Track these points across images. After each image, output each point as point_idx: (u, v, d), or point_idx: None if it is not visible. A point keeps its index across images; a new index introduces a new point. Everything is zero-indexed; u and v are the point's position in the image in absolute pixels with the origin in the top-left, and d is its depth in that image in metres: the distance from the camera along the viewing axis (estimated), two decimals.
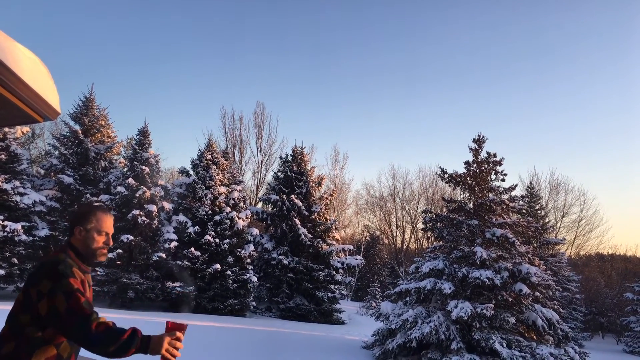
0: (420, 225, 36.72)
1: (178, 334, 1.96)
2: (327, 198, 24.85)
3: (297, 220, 22.54)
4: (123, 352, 1.83)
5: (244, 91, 62.50)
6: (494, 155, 14.07)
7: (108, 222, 2.17)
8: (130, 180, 17.94)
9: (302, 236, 22.28)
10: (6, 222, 15.35)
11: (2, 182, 15.72)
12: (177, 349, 1.94)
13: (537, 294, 12.63)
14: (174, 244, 18.21)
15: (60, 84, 2.49)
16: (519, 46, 61.25)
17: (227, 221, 19.95)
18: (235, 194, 21.09)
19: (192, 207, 20.39)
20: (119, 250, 17.05)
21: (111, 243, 2.21)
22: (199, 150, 22.08)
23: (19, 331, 1.91)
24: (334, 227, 24.01)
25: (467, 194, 14.39)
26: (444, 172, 14.47)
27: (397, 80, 65.70)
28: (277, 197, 23.21)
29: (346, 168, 66.72)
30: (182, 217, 19.42)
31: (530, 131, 63.78)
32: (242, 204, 21.67)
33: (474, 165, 14.21)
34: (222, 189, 20.71)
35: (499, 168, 14.09)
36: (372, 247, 41.92)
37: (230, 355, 10.78)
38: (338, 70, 64.93)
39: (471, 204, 14.12)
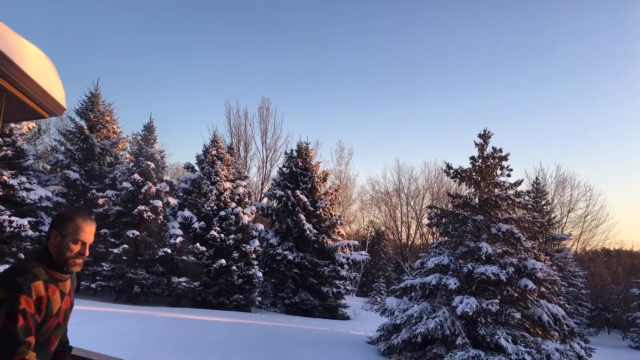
0: (425, 221, 36.60)
1: None
2: (332, 193, 24.83)
3: (302, 216, 22.55)
4: None
5: (248, 87, 62.50)
6: (500, 150, 14.00)
7: (87, 232, 1.98)
8: (136, 175, 18.01)
9: (307, 232, 22.29)
10: (13, 218, 15.47)
11: (8, 178, 15.82)
12: None
13: (543, 289, 12.57)
14: (179, 239, 18.29)
15: (65, 79, 2.49)
16: (524, 41, 60.84)
17: (233, 216, 19.99)
18: (241, 190, 21.13)
19: (197, 202, 20.46)
20: (125, 246, 17.15)
21: (87, 253, 2.00)
22: (204, 145, 22.16)
23: None
24: (339, 222, 24.01)
25: (473, 190, 14.33)
26: (449, 167, 14.41)
27: (402, 75, 65.50)
28: (282, 193, 23.22)
29: (351, 163, 66.54)
30: (187, 213, 19.49)
31: (536, 126, 63.42)
32: (247, 199, 21.72)
33: (480, 161, 14.14)
34: (227, 185, 20.74)
35: (504, 163, 14.02)
36: (377, 243, 41.94)
37: (235, 350, 10.83)
38: (342, 66, 64.80)
39: (477, 200, 14.06)
